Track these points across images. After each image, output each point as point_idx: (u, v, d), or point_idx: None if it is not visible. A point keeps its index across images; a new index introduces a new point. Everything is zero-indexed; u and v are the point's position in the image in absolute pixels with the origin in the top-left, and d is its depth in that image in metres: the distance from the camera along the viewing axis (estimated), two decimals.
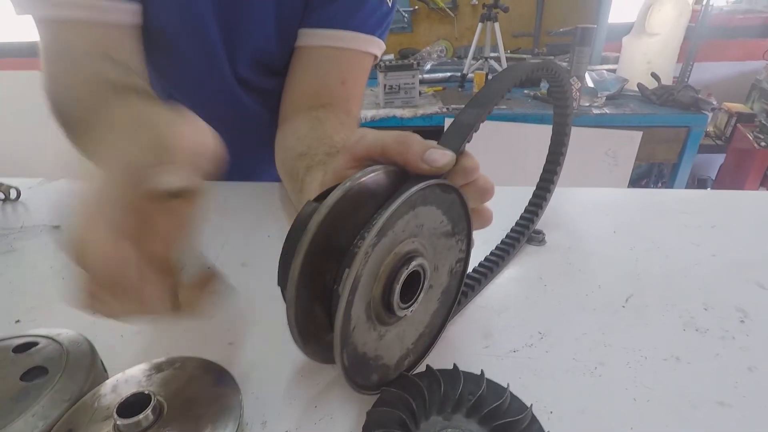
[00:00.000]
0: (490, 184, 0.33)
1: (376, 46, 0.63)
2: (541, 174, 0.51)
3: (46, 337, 0.32)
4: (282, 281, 0.27)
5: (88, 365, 0.30)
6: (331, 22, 0.59)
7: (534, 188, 0.51)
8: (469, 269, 0.42)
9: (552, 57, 2.24)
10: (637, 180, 2.38)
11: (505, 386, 0.29)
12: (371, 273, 0.26)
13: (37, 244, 0.51)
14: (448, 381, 0.29)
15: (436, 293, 0.33)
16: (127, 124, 0.31)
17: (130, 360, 0.32)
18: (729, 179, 2.30)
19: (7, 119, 2.19)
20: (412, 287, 0.28)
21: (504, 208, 0.50)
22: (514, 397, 0.29)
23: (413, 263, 0.27)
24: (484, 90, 0.32)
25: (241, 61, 0.64)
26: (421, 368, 0.31)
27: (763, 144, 2.04)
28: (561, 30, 2.29)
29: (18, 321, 0.39)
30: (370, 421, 0.27)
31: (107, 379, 0.31)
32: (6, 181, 0.62)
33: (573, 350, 0.35)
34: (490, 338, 0.37)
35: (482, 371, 0.30)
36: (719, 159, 2.44)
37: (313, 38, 0.61)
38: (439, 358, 0.34)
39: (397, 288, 0.27)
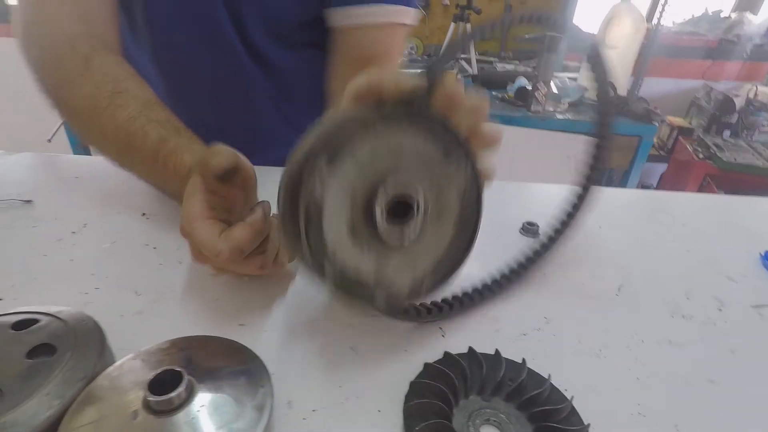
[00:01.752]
0: (479, 101, 0.32)
1: (406, 15, 0.62)
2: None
3: (45, 314, 0.30)
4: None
5: (98, 343, 0.28)
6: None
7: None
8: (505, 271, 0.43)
9: (518, 62, 2.32)
10: None
11: (546, 377, 0.30)
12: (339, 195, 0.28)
13: (7, 218, 0.47)
14: (489, 364, 0.30)
15: (449, 221, 0.33)
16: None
17: (133, 341, 0.31)
18: (670, 187, 2.49)
19: None
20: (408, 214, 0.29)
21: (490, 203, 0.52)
22: (554, 388, 0.30)
23: (389, 188, 0.28)
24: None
25: (253, 29, 0.61)
26: (463, 349, 0.32)
27: (701, 156, 2.22)
28: (527, 36, 2.38)
29: (0, 299, 0.36)
30: (412, 391, 0.27)
31: (116, 358, 0.29)
32: None
33: (577, 334, 0.37)
34: (498, 322, 0.38)
35: (524, 360, 0.31)
36: (660, 168, 2.64)
37: (344, 18, 0.60)
38: (455, 339, 0.35)
39: (378, 211, 0.28)
